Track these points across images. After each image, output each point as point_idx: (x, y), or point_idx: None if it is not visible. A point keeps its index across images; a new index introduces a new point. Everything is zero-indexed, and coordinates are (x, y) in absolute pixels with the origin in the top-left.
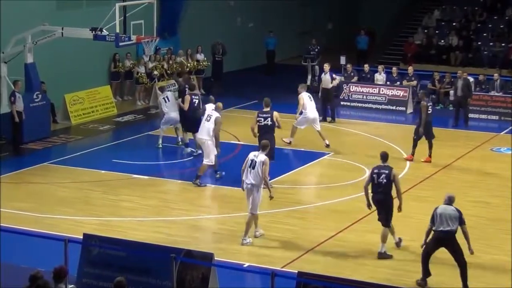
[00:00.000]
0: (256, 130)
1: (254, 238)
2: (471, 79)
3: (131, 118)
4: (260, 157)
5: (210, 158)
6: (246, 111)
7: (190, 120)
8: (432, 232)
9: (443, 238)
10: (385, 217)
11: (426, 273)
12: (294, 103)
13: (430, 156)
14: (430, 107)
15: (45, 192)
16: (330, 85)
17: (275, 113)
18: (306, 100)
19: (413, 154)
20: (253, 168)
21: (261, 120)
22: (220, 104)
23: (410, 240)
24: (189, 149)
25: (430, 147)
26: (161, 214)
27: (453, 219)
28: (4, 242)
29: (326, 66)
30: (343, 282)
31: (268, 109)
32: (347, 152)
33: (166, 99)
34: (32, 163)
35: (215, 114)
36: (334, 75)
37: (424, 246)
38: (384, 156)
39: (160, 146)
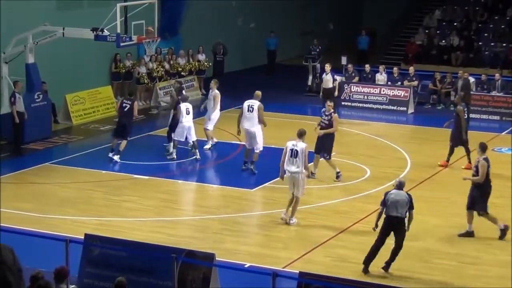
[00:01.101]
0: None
1: (254, 239)
2: (472, 79)
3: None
4: (300, 145)
5: (261, 145)
6: None
7: (118, 124)
8: (384, 217)
9: (393, 223)
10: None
11: (370, 260)
12: (295, 103)
13: (469, 161)
14: (465, 111)
15: (46, 192)
16: (331, 85)
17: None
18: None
19: (447, 160)
20: (296, 156)
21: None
22: (259, 93)
23: (411, 240)
24: (111, 154)
25: (468, 153)
26: (162, 214)
27: (403, 205)
28: (5, 242)
29: (328, 67)
30: (344, 283)
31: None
32: (348, 152)
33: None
34: (33, 163)
35: (257, 103)
36: (335, 76)
37: (375, 228)
38: (486, 146)
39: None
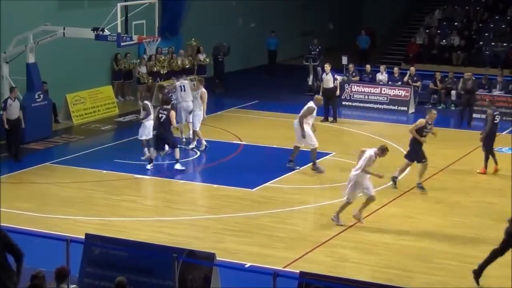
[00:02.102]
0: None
1: (254, 239)
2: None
3: (133, 118)
4: (368, 151)
5: (313, 141)
6: (247, 111)
7: (157, 136)
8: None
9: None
10: None
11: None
12: (295, 103)
13: (486, 167)
14: (497, 116)
15: (47, 192)
16: (332, 85)
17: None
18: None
19: (496, 165)
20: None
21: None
22: (318, 97)
23: (412, 240)
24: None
25: (486, 158)
26: (163, 214)
27: None
28: None
29: (327, 67)
30: (345, 282)
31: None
32: (349, 152)
33: (182, 87)
34: (34, 163)
35: (310, 104)
36: (335, 75)
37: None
38: None
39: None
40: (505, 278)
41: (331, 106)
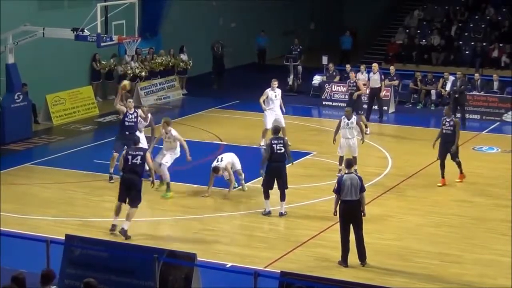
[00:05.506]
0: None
1: (235, 239)
2: (452, 78)
3: (113, 118)
4: None
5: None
6: (227, 111)
7: None
8: (340, 202)
9: (351, 207)
10: None
11: (347, 250)
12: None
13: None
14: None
15: (26, 193)
16: (379, 85)
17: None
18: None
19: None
20: None
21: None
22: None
23: (392, 239)
24: None
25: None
26: (144, 214)
27: (357, 188)
28: None
29: (375, 66)
30: (326, 282)
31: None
32: (329, 152)
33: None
34: (14, 164)
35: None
36: (383, 76)
37: (335, 214)
38: None
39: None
40: (486, 277)
41: (378, 105)
